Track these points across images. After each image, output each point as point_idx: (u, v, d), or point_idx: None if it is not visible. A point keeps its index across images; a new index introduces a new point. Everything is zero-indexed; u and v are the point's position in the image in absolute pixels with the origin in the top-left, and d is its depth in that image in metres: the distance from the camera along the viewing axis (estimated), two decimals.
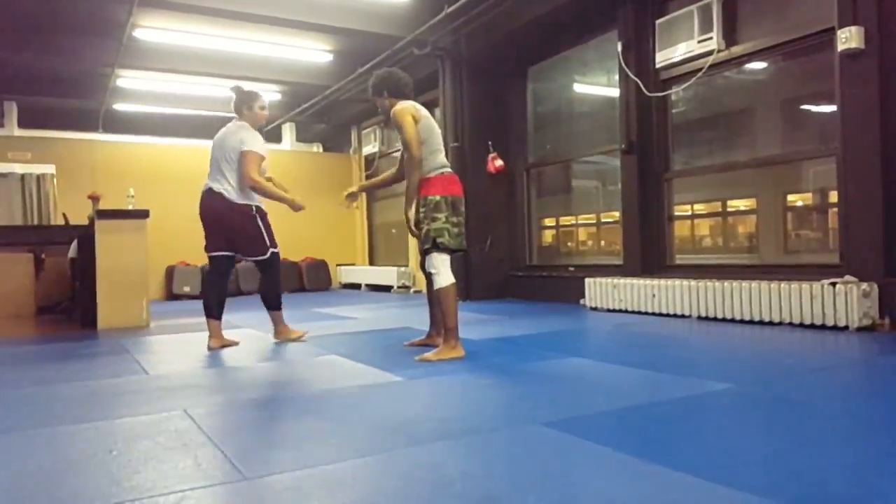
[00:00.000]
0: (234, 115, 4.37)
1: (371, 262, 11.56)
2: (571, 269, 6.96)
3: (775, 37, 4.93)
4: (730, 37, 5.20)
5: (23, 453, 2.03)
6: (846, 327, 4.06)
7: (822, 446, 1.89)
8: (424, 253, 3.57)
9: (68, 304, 7.09)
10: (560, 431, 2.06)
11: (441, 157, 3.67)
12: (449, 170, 3.67)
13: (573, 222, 7.66)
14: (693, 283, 5.04)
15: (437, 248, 3.52)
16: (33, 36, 7.44)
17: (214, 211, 4.17)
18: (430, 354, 3.48)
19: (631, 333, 4.51)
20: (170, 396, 2.77)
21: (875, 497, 1.48)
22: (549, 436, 2.04)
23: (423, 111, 3.71)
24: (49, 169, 9.37)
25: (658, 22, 5.62)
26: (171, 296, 9.85)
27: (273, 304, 4.42)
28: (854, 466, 1.72)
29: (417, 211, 3.57)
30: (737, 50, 5.18)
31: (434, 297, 3.72)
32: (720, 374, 2.97)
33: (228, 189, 4.16)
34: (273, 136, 11.84)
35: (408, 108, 3.63)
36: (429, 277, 3.67)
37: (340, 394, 2.77)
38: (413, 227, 3.61)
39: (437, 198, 3.54)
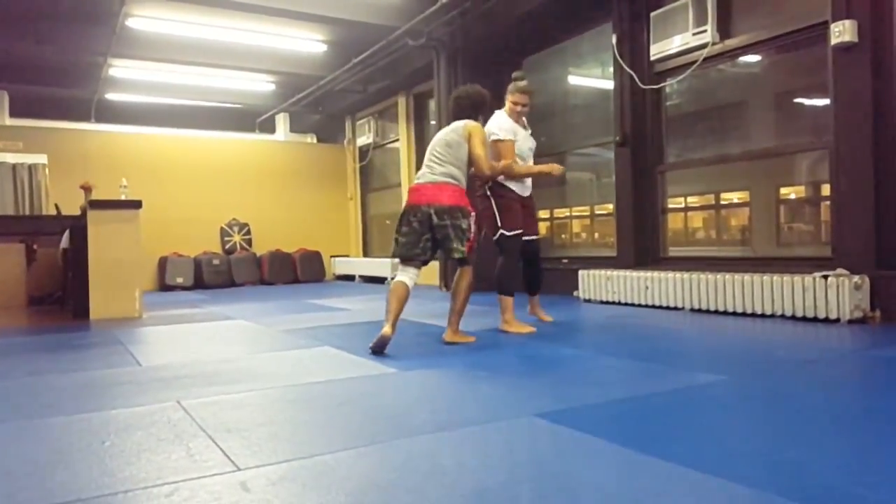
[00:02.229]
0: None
1: (365, 254, 11.55)
2: (565, 261, 6.97)
3: (769, 30, 4.93)
4: (724, 30, 5.20)
5: (15, 444, 2.02)
6: (837, 320, 4.09)
7: (813, 438, 1.91)
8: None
9: (60, 294, 7.06)
10: (554, 423, 2.07)
11: (419, 174, 3.82)
12: (418, 181, 3.77)
13: (567, 214, 7.67)
14: (686, 275, 5.05)
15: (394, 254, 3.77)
16: (25, 24, 7.37)
17: None
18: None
19: (624, 325, 4.53)
20: (163, 388, 2.77)
21: (865, 487, 1.49)
22: (543, 427, 2.05)
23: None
24: (41, 159, 9.30)
25: (653, 14, 5.61)
26: (164, 287, 9.82)
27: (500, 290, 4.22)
28: (845, 457, 1.74)
29: None
30: (731, 43, 5.18)
31: (453, 289, 3.84)
32: (713, 365, 2.98)
33: None
34: (267, 126, 11.80)
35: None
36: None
37: (334, 385, 2.78)
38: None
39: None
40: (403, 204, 3.78)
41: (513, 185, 4.24)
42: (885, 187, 4.12)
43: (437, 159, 3.75)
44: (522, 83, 4.31)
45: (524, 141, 4.30)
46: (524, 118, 4.41)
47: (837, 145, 4.32)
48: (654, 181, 5.91)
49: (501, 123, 4.21)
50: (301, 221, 11.24)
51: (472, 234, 3.69)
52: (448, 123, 3.94)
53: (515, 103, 4.28)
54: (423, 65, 8.03)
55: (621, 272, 5.68)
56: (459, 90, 4.06)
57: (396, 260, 3.77)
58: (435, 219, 3.62)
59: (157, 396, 2.60)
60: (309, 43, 8.46)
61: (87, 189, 6.23)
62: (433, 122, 8.64)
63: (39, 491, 1.61)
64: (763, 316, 4.50)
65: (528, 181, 4.40)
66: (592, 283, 5.94)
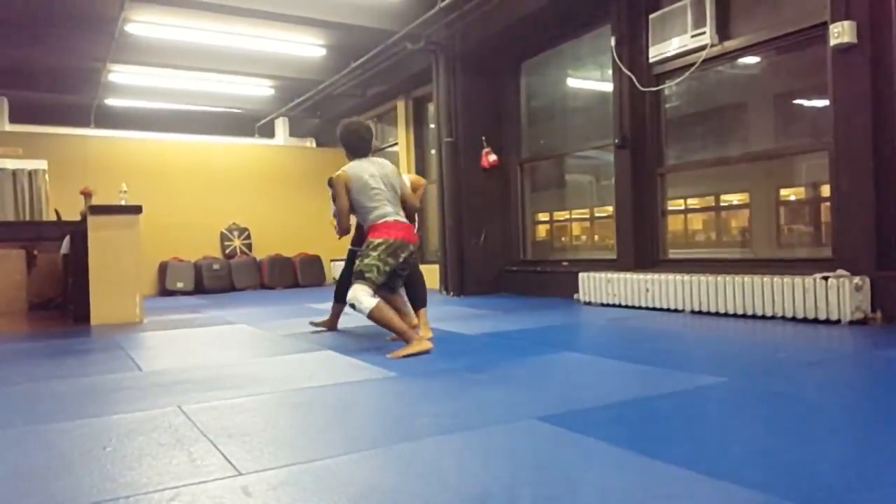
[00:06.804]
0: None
1: None
2: (565, 263, 6.97)
3: (768, 31, 4.94)
4: (723, 31, 5.20)
5: (16, 450, 2.02)
6: (838, 321, 4.08)
7: (814, 439, 1.90)
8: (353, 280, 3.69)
9: (61, 300, 7.06)
10: (555, 426, 2.07)
11: (380, 210, 3.78)
12: (393, 218, 3.78)
13: (567, 217, 7.67)
14: (686, 277, 5.05)
15: (362, 279, 3.61)
16: (24, 30, 7.38)
17: None
18: (397, 352, 3.49)
19: (624, 328, 4.52)
20: (164, 393, 2.76)
21: (866, 488, 1.49)
22: (545, 430, 2.04)
23: (364, 169, 3.85)
24: (41, 164, 9.32)
25: (651, 16, 5.62)
26: (165, 292, 9.82)
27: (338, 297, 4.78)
28: (846, 459, 1.73)
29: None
30: (730, 44, 5.19)
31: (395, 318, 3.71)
32: (713, 367, 2.98)
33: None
34: (266, 131, 11.81)
35: (341, 178, 3.83)
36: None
37: (335, 389, 2.77)
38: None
39: (379, 240, 3.70)
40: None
41: None
42: (884, 188, 4.12)
43: (392, 199, 3.85)
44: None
45: None
46: None
47: (837, 146, 4.32)
48: (654, 183, 5.91)
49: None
50: (301, 226, 11.23)
51: None
52: (370, 149, 4.09)
53: None
54: (422, 68, 8.03)
55: (621, 274, 5.67)
56: (363, 124, 4.21)
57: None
58: (414, 257, 3.88)
59: (158, 401, 2.60)
60: (308, 47, 8.46)
61: (87, 194, 6.23)
62: (432, 126, 8.64)
63: (42, 496, 1.61)
64: (763, 318, 4.49)
65: None
66: (593, 285, 5.94)
